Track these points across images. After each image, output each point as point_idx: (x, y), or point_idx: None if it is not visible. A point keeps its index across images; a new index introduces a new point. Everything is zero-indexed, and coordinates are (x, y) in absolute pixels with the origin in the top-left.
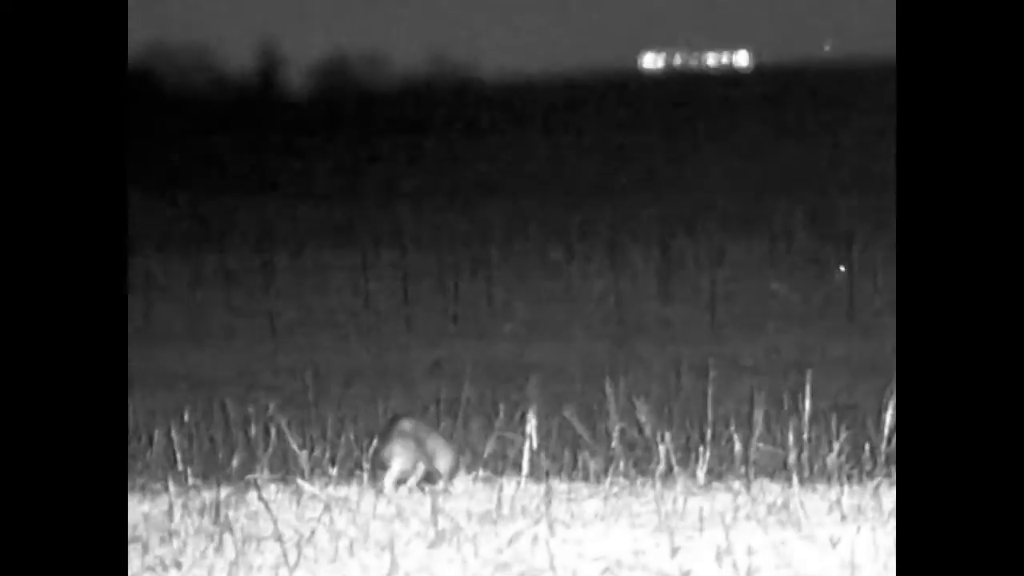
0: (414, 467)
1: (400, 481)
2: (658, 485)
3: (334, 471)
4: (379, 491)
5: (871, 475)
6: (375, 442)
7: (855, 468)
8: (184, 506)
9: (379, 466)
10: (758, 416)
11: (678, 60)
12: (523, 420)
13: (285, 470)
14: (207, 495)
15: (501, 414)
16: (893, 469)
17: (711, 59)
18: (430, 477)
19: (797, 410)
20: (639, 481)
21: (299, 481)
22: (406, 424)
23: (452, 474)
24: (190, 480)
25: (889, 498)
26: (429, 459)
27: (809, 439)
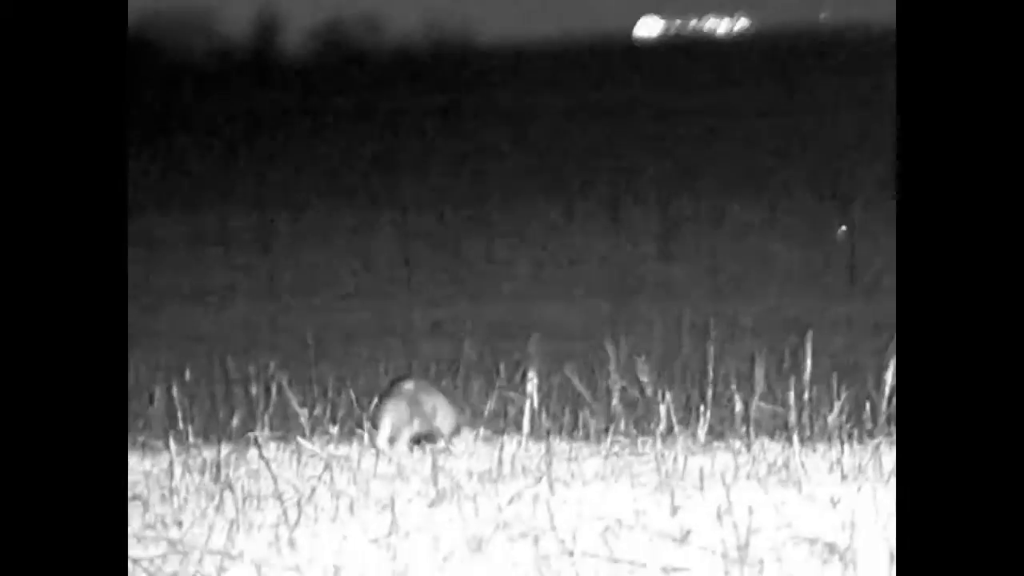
0: (407, 426)
1: (392, 440)
2: (659, 444)
3: (334, 430)
4: (374, 450)
5: (872, 435)
6: (375, 402)
7: (856, 428)
8: (185, 464)
9: (374, 426)
10: (759, 375)
11: (676, 24)
12: (524, 379)
13: (286, 429)
14: (207, 453)
15: (502, 373)
16: (894, 429)
17: (709, 24)
18: (431, 437)
19: (798, 369)
20: (640, 440)
21: (299, 440)
22: (407, 385)
23: (453, 434)
24: (191, 438)
25: (890, 458)
26: (428, 419)
27: (810, 399)
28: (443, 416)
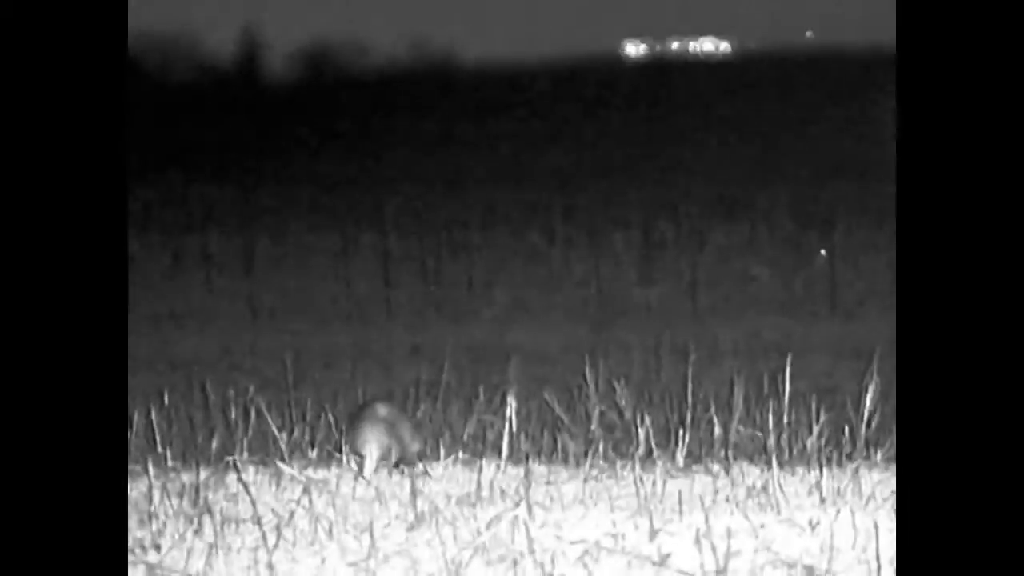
0: (388, 451)
1: (377, 466)
2: (637, 468)
3: (313, 453)
4: (358, 476)
5: (851, 458)
6: (348, 427)
7: (835, 451)
8: (163, 488)
9: (355, 452)
10: (738, 399)
11: (660, 48)
12: (503, 403)
13: (264, 452)
14: (186, 477)
15: (481, 397)
16: (873, 451)
17: (693, 47)
18: (407, 460)
19: (777, 393)
20: (619, 464)
21: (278, 463)
22: (381, 410)
23: (420, 457)
24: (169, 462)
25: (869, 481)
26: (403, 443)
27: (789, 422)
28: (412, 440)
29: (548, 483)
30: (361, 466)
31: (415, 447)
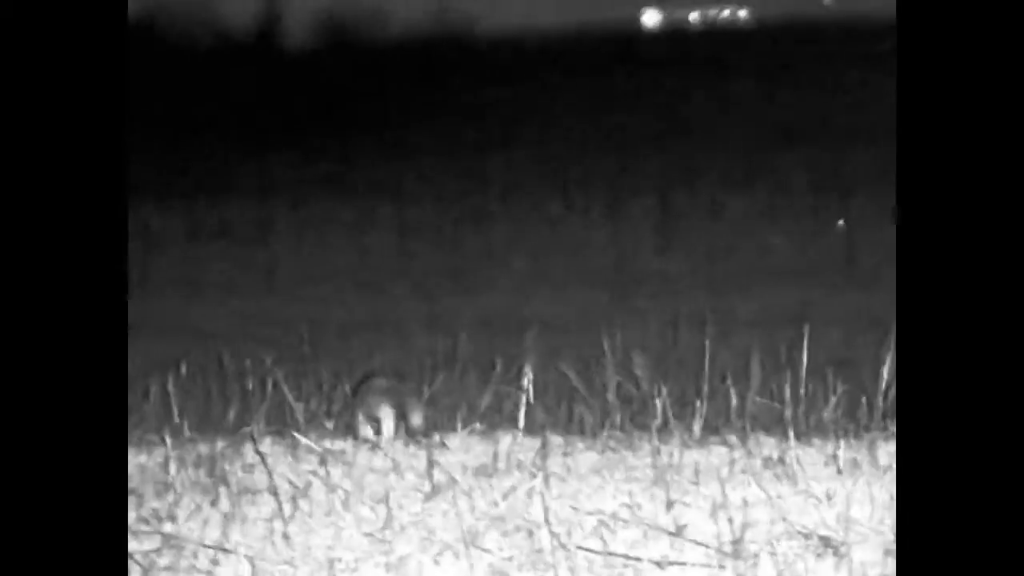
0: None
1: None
2: (654, 439)
3: (330, 424)
4: (373, 446)
5: (867, 429)
6: (354, 398)
7: (851, 422)
8: (180, 458)
9: (370, 419)
10: (755, 370)
11: (678, 16)
12: (519, 374)
13: (281, 423)
14: (203, 447)
15: (498, 367)
16: (890, 423)
17: (711, 15)
18: (407, 432)
19: (794, 364)
20: (635, 435)
21: (295, 434)
22: (382, 382)
23: (424, 430)
24: (186, 432)
25: (885, 452)
26: (405, 415)
27: (806, 393)
28: (415, 411)
29: (564, 454)
30: (378, 430)
31: (418, 419)
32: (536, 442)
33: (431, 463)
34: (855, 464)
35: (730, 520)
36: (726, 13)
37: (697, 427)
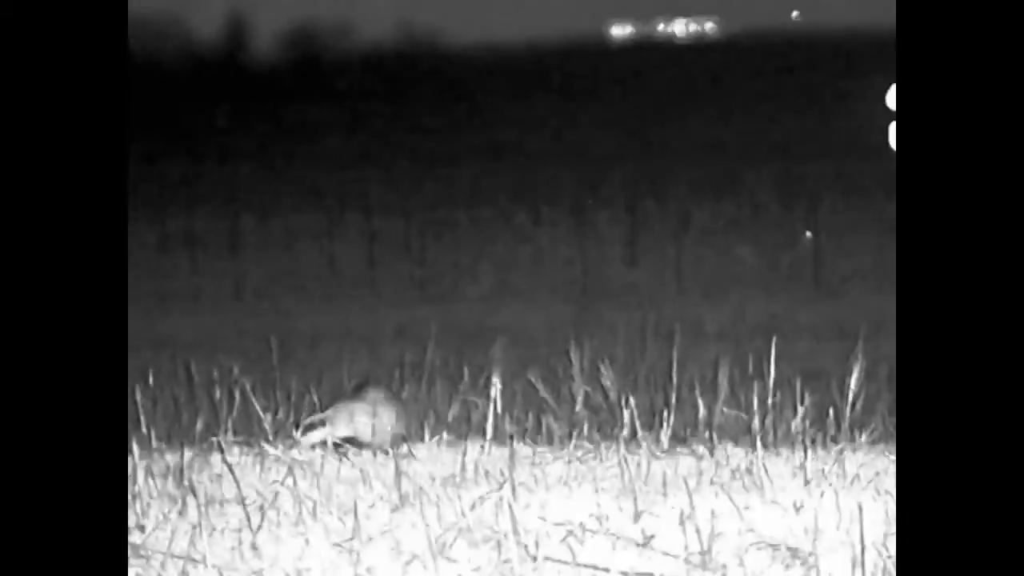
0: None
1: (323, 443)
2: (622, 449)
3: (298, 434)
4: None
5: (835, 440)
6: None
7: (819, 433)
8: (147, 468)
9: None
10: (723, 381)
11: (646, 29)
12: (487, 384)
13: (249, 433)
14: (170, 458)
15: (466, 377)
16: (857, 433)
17: (679, 28)
18: (383, 443)
19: (762, 375)
20: (603, 445)
21: (263, 444)
22: (373, 392)
23: (401, 441)
24: (153, 442)
25: (853, 463)
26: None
27: (774, 404)
28: (393, 423)
29: (532, 464)
30: (373, 431)
31: (388, 432)
32: (504, 452)
33: (399, 473)
34: (823, 475)
35: (698, 530)
36: (693, 27)
37: (665, 437)
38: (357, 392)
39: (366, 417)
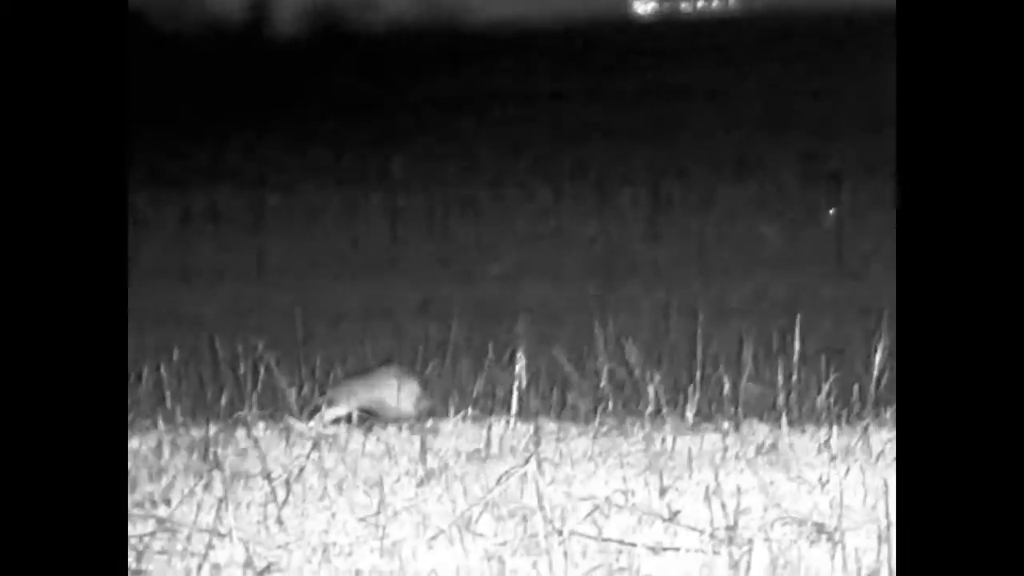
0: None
1: (338, 420)
2: (647, 425)
3: (313, 420)
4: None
5: (860, 416)
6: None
7: (844, 409)
8: (173, 443)
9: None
10: (747, 357)
11: (669, 6)
12: (512, 360)
13: (274, 408)
14: (196, 433)
15: (490, 354)
16: (882, 410)
17: (701, 4)
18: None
19: (786, 351)
20: (628, 421)
21: (288, 419)
22: (392, 368)
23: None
24: (179, 417)
25: (878, 439)
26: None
27: (798, 380)
28: (411, 400)
29: (558, 440)
30: (397, 399)
31: (412, 404)
32: (529, 428)
33: (424, 448)
34: (847, 451)
35: (723, 506)
36: (716, 3)
37: (690, 414)
38: (370, 370)
39: (382, 391)
